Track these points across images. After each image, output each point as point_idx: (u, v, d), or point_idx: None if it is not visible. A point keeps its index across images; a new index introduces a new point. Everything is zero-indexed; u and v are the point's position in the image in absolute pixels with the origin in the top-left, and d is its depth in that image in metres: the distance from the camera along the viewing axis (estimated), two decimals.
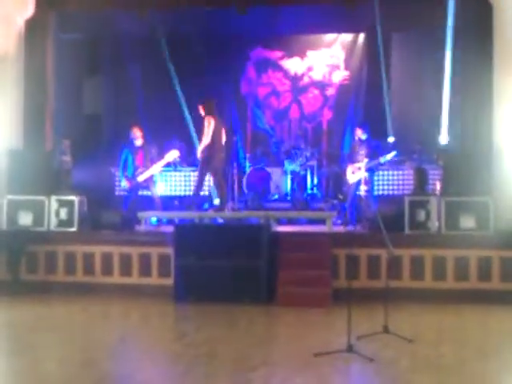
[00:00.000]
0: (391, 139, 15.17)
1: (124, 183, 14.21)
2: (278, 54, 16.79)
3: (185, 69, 15.77)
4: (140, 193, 14.12)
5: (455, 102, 13.23)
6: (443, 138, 13.80)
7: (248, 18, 14.40)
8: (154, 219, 13.38)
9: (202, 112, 12.85)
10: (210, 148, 12.69)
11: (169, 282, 11.68)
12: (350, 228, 13.12)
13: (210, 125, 12.64)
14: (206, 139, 12.61)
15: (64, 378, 7.16)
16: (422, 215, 12.02)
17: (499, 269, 11.48)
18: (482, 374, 7.14)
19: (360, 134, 13.56)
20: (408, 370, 7.33)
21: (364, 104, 16.28)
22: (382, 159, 13.50)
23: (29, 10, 13.35)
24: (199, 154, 12.97)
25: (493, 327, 9.65)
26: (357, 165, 13.34)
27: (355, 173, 13.40)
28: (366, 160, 13.40)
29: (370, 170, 13.50)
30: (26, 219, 12.58)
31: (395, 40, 15.54)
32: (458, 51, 12.67)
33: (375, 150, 13.59)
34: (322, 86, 16.64)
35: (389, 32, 15.39)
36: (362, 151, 13.42)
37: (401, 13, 13.76)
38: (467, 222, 11.86)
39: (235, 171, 14.97)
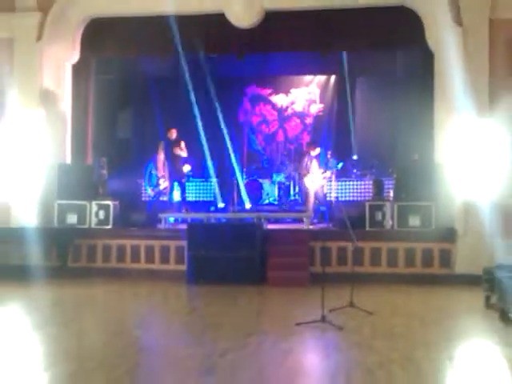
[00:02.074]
0: (355, 157, 15.21)
1: (148, 191, 14.23)
2: (268, 90, 16.82)
3: (196, 101, 15.75)
4: (160, 198, 14.12)
5: (405, 130, 13.25)
6: (396, 158, 13.84)
7: (245, 63, 14.47)
8: (171, 219, 13.35)
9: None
10: None
11: (183, 268, 11.68)
12: (323, 225, 13.16)
13: None
14: None
15: (101, 343, 7.15)
16: (379, 216, 12.05)
17: (438, 257, 11.51)
18: (424, 339, 7.17)
19: (313, 152, 13.61)
20: (369, 337, 7.36)
21: (334, 130, 16.29)
22: (328, 173, 13.74)
23: (75, 57, 13.36)
24: None
25: (433, 303, 9.66)
26: (314, 176, 13.39)
27: (314, 181, 13.44)
28: (321, 171, 13.51)
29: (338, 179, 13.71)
30: (72, 219, 12.56)
31: (359, 81, 15.60)
32: (407, 90, 12.69)
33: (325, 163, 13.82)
34: (302, 115, 16.68)
35: (353, 75, 15.45)
36: (316, 165, 13.48)
37: (362, 61, 13.83)
38: (414, 221, 11.88)
39: (235, 182, 14.97)
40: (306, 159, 13.52)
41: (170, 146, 13.19)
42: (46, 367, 6.11)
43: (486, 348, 7.02)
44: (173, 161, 13.18)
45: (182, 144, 13.65)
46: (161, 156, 13.39)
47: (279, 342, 7.08)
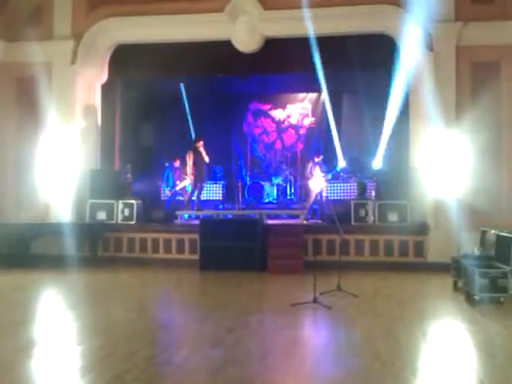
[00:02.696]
0: (344, 164, 15.18)
1: (166, 191, 14.24)
2: (268, 106, 16.80)
3: (206, 115, 15.74)
4: (177, 198, 14.13)
5: (385, 140, 13.22)
6: (377, 163, 13.83)
7: (248, 82, 14.49)
8: (186, 215, 13.34)
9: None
10: None
11: (196, 257, 11.65)
12: (315, 221, 13.14)
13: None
14: None
15: (126, 320, 7.17)
16: (362, 212, 12.04)
17: (413, 248, 11.50)
18: (401, 317, 7.15)
19: (317, 159, 13.61)
20: (354, 315, 7.36)
21: (324, 140, 16.26)
22: (329, 175, 13.77)
23: (103, 78, 13.37)
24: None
25: (409, 287, 9.64)
26: (317, 179, 13.41)
27: (317, 184, 13.46)
28: (322, 175, 13.53)
29: (329, 181, 13.68)
30: (101, 216, 12.55)
31: (345, 98, 15.57)
32: (386, 105, 12.65)
33: (325, 169, 13.83)
34: (296, 127, 16.66)
35: (340, 92, 15.42)
36: (319, 170, 13.50)
37: (348, 81, 13.82)
38: (392, 217, 11.87)
39: (240, 184, 14.96)
40: (310, 165, 13.52)
41: (198, 153, 13.19)
42: (80, 341, 6.14)
43: (454, 325, 7.02)
44: (199, 166, 13.19)
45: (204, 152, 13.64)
46: (190, 162, 13.38)
47: (277, 320, 7.08)
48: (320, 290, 8.27)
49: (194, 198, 13.26)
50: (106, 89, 13.64)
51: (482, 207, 11.02)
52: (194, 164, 13.04)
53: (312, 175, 13.43)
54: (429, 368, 5.23)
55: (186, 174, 13.55)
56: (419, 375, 5.03)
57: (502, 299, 8.07)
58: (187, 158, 13.22)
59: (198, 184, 13.17)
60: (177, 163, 14.13)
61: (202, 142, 13.10)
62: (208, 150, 13.15)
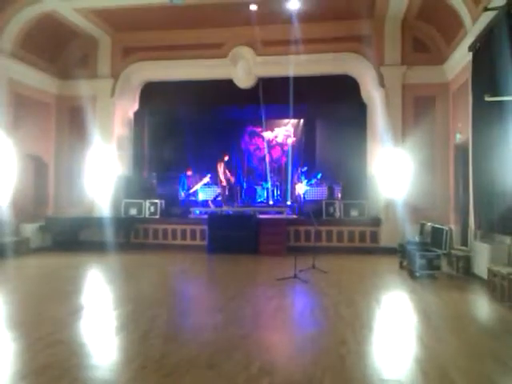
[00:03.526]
0: (319, 175, 15.14)
1: (182, 194, 14.18)
2: (260, 129, 16.67)
3: (213, 136, 15.65)
4: (190, 198, 14.08)
5: (348, 154, 13.15)
6: (343, 171, 13.80)
7: (245, 111, 14.44)
8: (197, 211, 13.28)
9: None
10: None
11: (205, 243, 11.61)
12: (294, 216, 13.12)
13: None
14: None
15: (151, 291, 7.12)
16: (331, 209, 12.00)
17: (369, 236, 11.48)
18: (361, 288, 7.15)
19: (301, 169, 13.66)
20: (324, 287, 7.34)
21: (303, 155, 16.21)
22: (312, 181, 13.78)
23: (135, 107, 13.35)
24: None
25: (366, 266, 9.63)
26: (300, 184, 13.52)
27: (300, 188, 13.56)
28: (305, 181, 13.57)
29: (309, 186, 13.71)
30: (133, 211, 12.46)
31: (318, 123, 15.41)
32: (350, 129, 12.60)
33: (306, 177, 13.84)
34: (281, 145, 16.55)
35: (314, 119, 15.36)
36: (302, 177, 13.58)
37: (320, 110, 13.79)
38: (354, 212, 11.85)
39: (238, 187, 14.90)
40: (296, 174, 13.72)
41: (224, 163, 13.51)
42: (115, 307, 6.09)
43: (400, 294, 7.01)
44: (224, 172, 13.48)
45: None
46: (221, 168, 13.83)
47: (266, 291, 7.05)
48: (299, 268, 8.28)
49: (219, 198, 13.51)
50: (137, 115, 13.58)
51: (420, 205, 11.03)
52: (224, 171, 13.30)
53: (299, 181, 13.58)
54: (381, 327, 5.22)
55: (221, 181, 13.89)
56: (374, 332, 5.03)
57: (436, 275, 8.09)
58: (218, 167, 13.51)
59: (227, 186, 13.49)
60: (189, 172, 14.16)
61: (227, 155, 13.45)
62: (213, 162, 13.24)
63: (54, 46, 12.24)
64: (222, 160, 13.67)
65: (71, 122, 12.77)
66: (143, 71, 12.82)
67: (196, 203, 13.93)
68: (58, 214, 12.42)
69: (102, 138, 12.39)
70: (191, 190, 14.00)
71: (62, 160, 12.79)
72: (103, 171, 12.42)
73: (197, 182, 14.41)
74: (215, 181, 14.73)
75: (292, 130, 16.65)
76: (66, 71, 12.64)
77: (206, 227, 11.61)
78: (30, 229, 11.45)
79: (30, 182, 11.93)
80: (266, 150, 16.64)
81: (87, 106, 12.42)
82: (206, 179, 14.42)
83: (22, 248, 10.95)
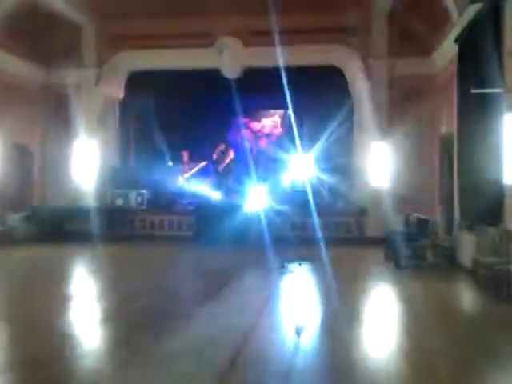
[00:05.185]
0: None
1: (175, 181, 14.21)
2: (247, 119, 16.66)
3: (200, 126, 15.46)
4: (180, 189, 14.09)
5: (336, 146, 13.09)
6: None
7: (232, 101, 14.29)
8: (184, 202, 13.19)
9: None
10: None
11: (190, 233, 11.53)
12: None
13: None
14: None
15: (139, 280, 7.10)
16: (318, 199, 11.96)
17: (356, 226, 11.57)
18: (349, 275, 7.20)
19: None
20: (311, 277, 7.37)
21: (289, 145, 16.15)
22: None
23: (120, 96, 13.11)
24: None
25: (352, 255, 9.71)
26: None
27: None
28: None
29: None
30: (120, 202, 12.39)
31: (304, 116, 15.26)
32: (337, 121, 12.55)
33: None
34: (268, 135, 16.57)
35: (301, 112, 15.20)
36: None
37: (307, 102, 13.61)
38: (341, 203, 11.94)
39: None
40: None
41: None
42: (101, 297, 6.06)
43: (386, 283, 7.08)
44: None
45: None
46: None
47: (255, 280, 7.06)
48: (286, 259, 8.29)
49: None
50: (123, 104, 13.41)
51: (406, 197, 11.07)
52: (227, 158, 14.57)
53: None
54: (368, 313, 5.28)
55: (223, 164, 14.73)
56: (361, 318, 5.08)
57: (421, 265, 8.18)
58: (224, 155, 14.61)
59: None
60: (185, 158, 14.64)
61: (232, 151, 14.14)
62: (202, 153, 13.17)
63: (38, 34, 11.96)
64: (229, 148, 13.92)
65: (56, 110, 12.54)
66: (129, 60, 12.61)
67: (184, 194, 13.82)
68: (44, 204, 12.24)
69: (87, 126, 12.20)
70: (185, 176, 14.05)
71: (48, 149, 12.58)
72: (89, 161, 12.27)
73: (190, 170, 14.43)
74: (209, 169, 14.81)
75: (279, 121, 16.62)
76: (51, 59, 12.40)
77: (193, 219, 11.52)
78: (14, 219, 11.28)
79: (16, 171, 11.72)
80: (252, 141, 16.61)
81: (72, 94, 12.20)
82: (202, 164, 14.49)
83: (7, 238, 10.79)
